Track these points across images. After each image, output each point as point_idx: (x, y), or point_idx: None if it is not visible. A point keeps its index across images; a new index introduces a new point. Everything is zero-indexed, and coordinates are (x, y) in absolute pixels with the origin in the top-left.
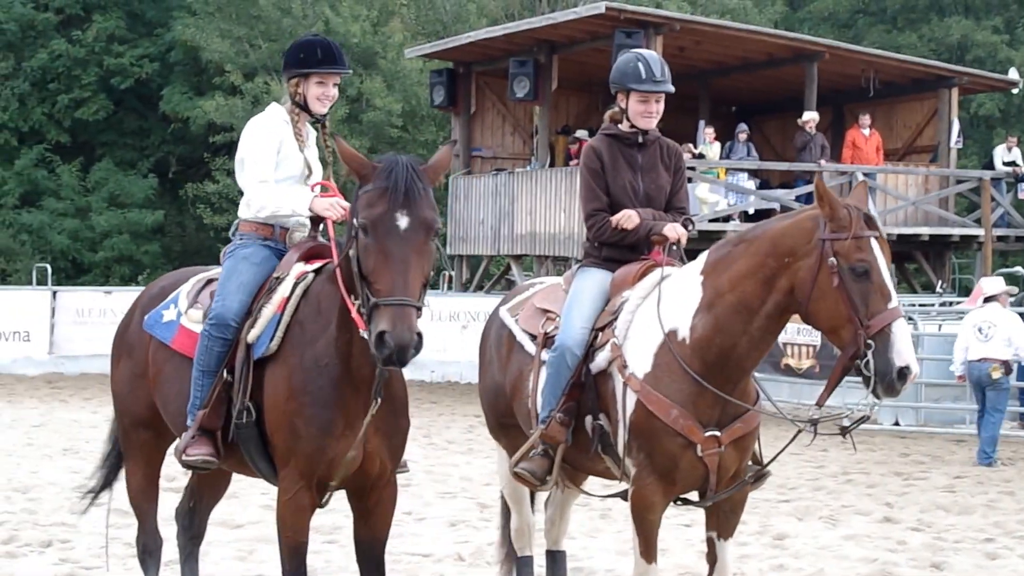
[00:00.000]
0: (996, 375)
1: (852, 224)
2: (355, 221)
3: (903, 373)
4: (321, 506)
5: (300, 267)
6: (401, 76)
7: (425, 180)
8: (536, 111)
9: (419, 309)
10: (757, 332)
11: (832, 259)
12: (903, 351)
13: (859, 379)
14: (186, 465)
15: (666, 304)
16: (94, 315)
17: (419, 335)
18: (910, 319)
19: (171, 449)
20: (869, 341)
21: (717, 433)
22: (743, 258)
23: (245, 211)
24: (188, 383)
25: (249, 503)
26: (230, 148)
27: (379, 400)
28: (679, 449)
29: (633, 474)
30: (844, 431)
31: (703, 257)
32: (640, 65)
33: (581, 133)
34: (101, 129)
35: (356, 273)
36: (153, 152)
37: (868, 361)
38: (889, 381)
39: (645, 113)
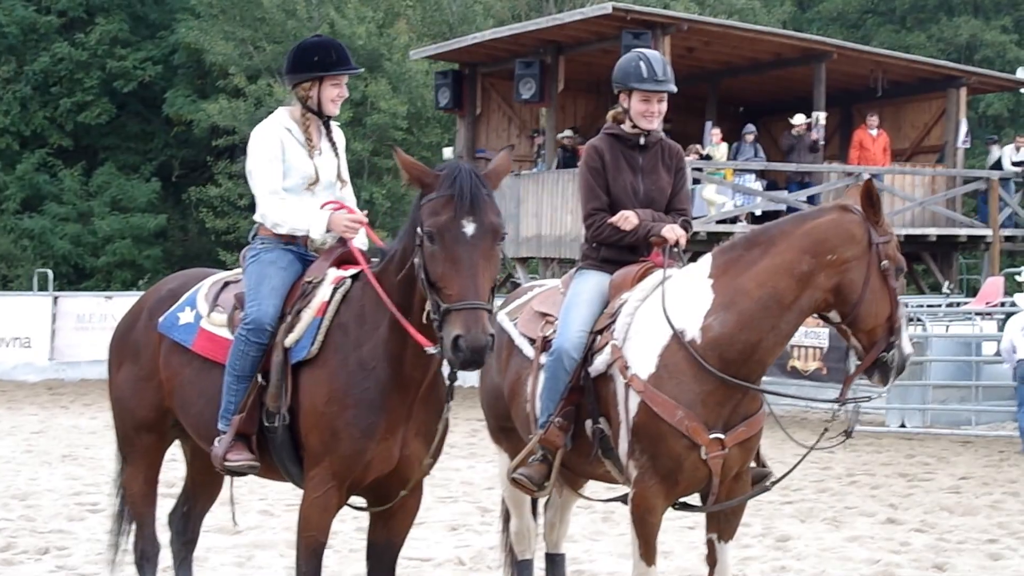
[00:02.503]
0: None
1: (890, 228)
2: (419, 230)
3: (905, 361)
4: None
5: (335, 272)
6: (407, 78)
7: (488, 185)
8: (542, 113)
9: (490, 311)
10: (785, 326)
11: (885, 262)
12: (909, 341)
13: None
14: (229, 471)
15: (672, 305)
16: (95, 320)
17: (492, 336)
18: (918, 320)
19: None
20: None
21: (721, 436)
22: (770, 256)
23: (262, 221)
24: (213, 386)
25: (248, 509)
26: (233, 151)
27: (450, 403)
28: (683, 451)
29: (634, 476)
30: (847, 434)
31: (707, 260)
32: (642, 64)
33: (566, 133)
34: (104, 133)
35: (423, 280)
36: (156, 156)
37: (895, 353)
38: (899, 368)
39: (647, 113)
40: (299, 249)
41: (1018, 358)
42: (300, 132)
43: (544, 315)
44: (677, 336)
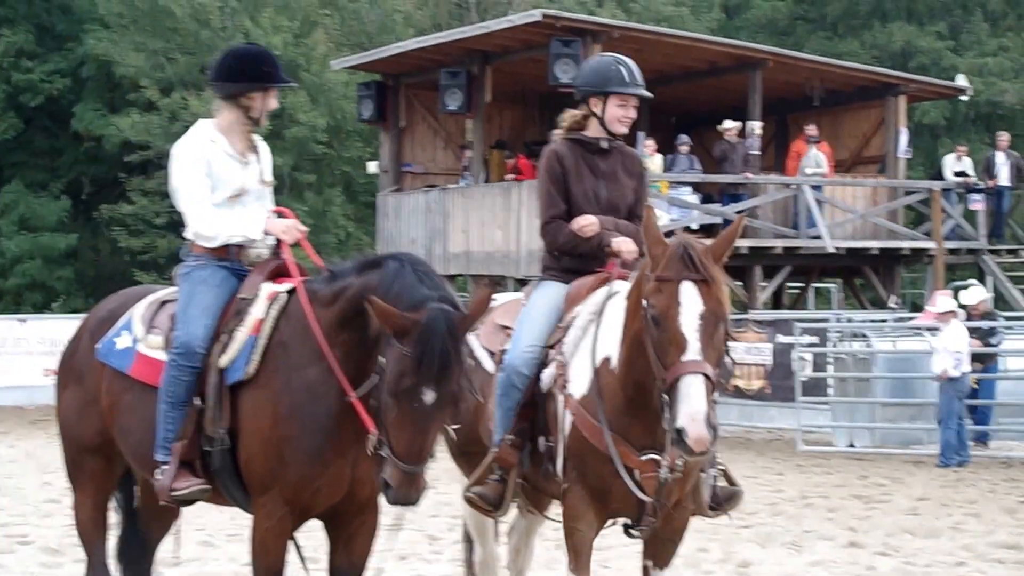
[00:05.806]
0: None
1: (660, 264)
2: (383, 365)
3: (679, 435)
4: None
5: (270, 287)
6: (326, 89)
7: (461, 343)
8: (469, 124)
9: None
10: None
11: (644, 301)
12: (681, 411)
13: (815, 399)
14: (178, 501)
15: (605, 326)
16: (8, 345)
17: (424, 489)
18: (863, 336)
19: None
20: (664, 395)
21: (657, 456)
22: (633, 290)
23: (195, 238)
24: (151, 412)
25: (186, 540)
26: (146, 168)
27: None
28: (611, 477)
29: (564, 487)
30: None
31: (633, 274)
32: (622, 68)
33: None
34: (10, 149)
35: (376, 408)
36: (65, 173)
37: (666, 417)
38: (672, 440)
39: (624, 118)
40: (233, 264)
41: (963, 371)
42: (227, 143)
43: (504, 328)
44: (602, 363)
